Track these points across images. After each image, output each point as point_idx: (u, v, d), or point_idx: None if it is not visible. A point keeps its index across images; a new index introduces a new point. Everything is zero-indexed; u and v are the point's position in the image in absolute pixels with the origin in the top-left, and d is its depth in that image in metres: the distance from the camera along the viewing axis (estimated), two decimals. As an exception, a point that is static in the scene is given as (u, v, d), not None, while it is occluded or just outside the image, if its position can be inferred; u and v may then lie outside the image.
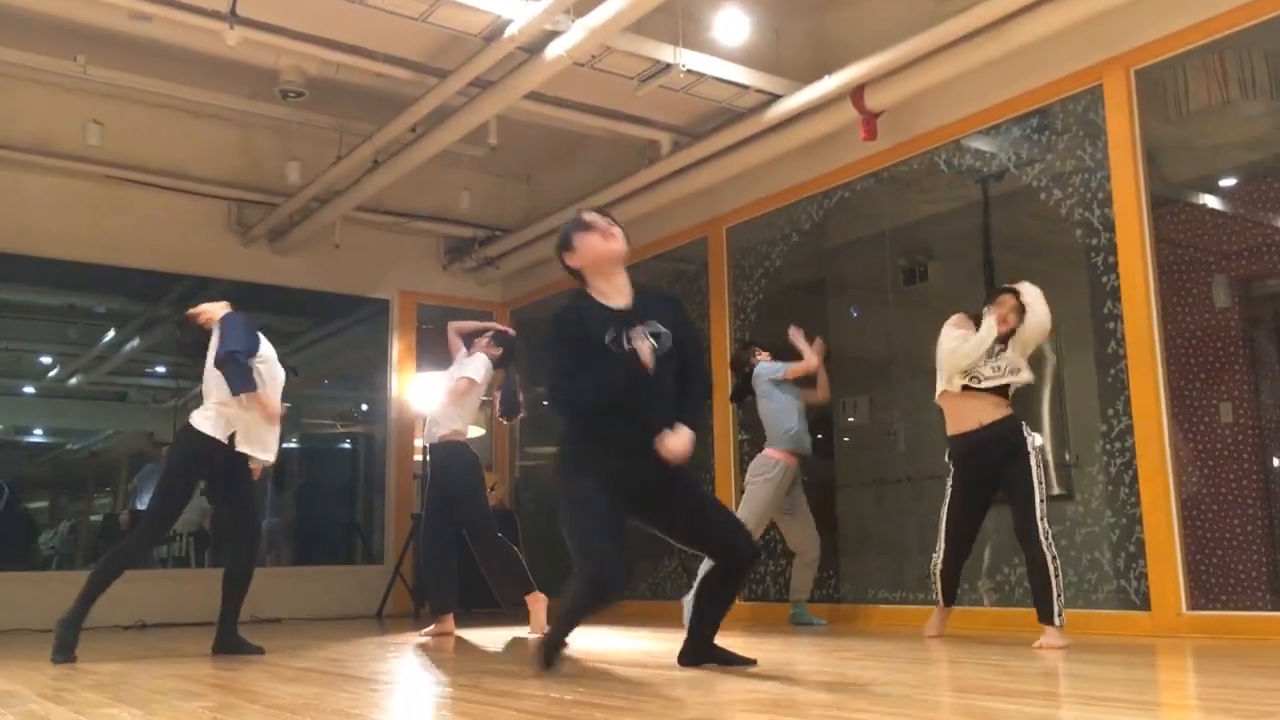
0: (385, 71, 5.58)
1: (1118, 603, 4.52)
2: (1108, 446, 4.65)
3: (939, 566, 4.28)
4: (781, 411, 5.49)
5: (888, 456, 7.42)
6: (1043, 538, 3.83)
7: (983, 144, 5.43)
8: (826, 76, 5.34)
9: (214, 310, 4.50)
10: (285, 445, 12.00)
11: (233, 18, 4.83)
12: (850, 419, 7.45)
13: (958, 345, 4.11)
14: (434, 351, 8.39)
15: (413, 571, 7.53)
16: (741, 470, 6.59)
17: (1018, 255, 6.60)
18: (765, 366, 5.59)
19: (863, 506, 7.05)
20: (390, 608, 7.63)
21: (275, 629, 6.19)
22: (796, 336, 5.56)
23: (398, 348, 8.30)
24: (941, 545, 4.25)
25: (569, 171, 7.95)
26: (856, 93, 5.35)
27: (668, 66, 5.32)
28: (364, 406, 9.20)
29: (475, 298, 8.67)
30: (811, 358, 5.50)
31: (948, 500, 4.24)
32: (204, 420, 4.30)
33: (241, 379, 4.22)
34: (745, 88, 5.57)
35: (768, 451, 5.48)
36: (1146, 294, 4.50)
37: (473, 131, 6.02)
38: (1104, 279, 4.70)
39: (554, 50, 4.94)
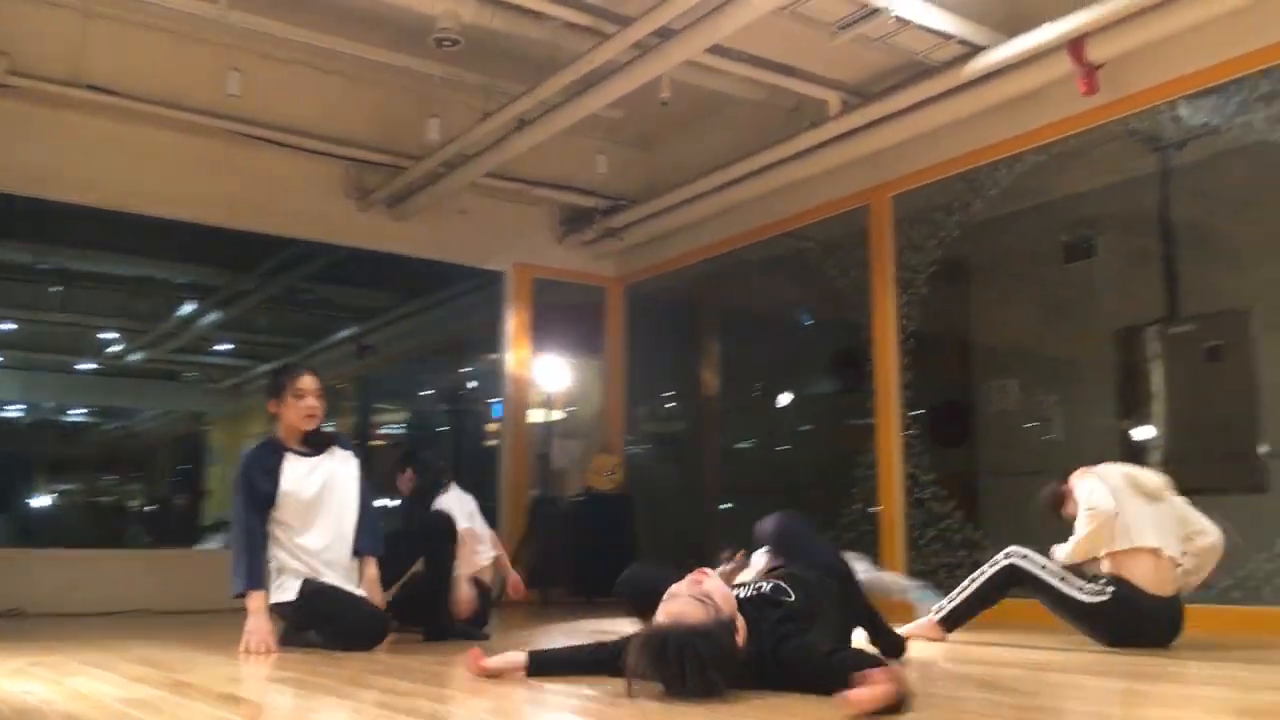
0: (561, 15, 5.18)
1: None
2: None
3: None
4: None
5: (1037, 444, 7.02)
6: None
7: (1209, 103, 4.98)
8: (1047, 24, 4.91)
9: None
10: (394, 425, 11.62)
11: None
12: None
13: None
14: (551, 330, 8.01)
15: (531, 557, 7.14)
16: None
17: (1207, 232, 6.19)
18: None
19: (1008, 500, 6.63)
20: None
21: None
22: None
23: (513, 323, 7.89)
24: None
25: (699, 137, 7.52)
26: (1075, 43, 4.92)
27: (874, 12, 4.89)
28: (471, 384, 8.82)
29: (590, 272, 8.26)
30: None
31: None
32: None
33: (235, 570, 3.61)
34: (948, 38, 5.14)
35: None
36: None
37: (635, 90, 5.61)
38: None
39: (768, -12, 4.52)
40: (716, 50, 5.47)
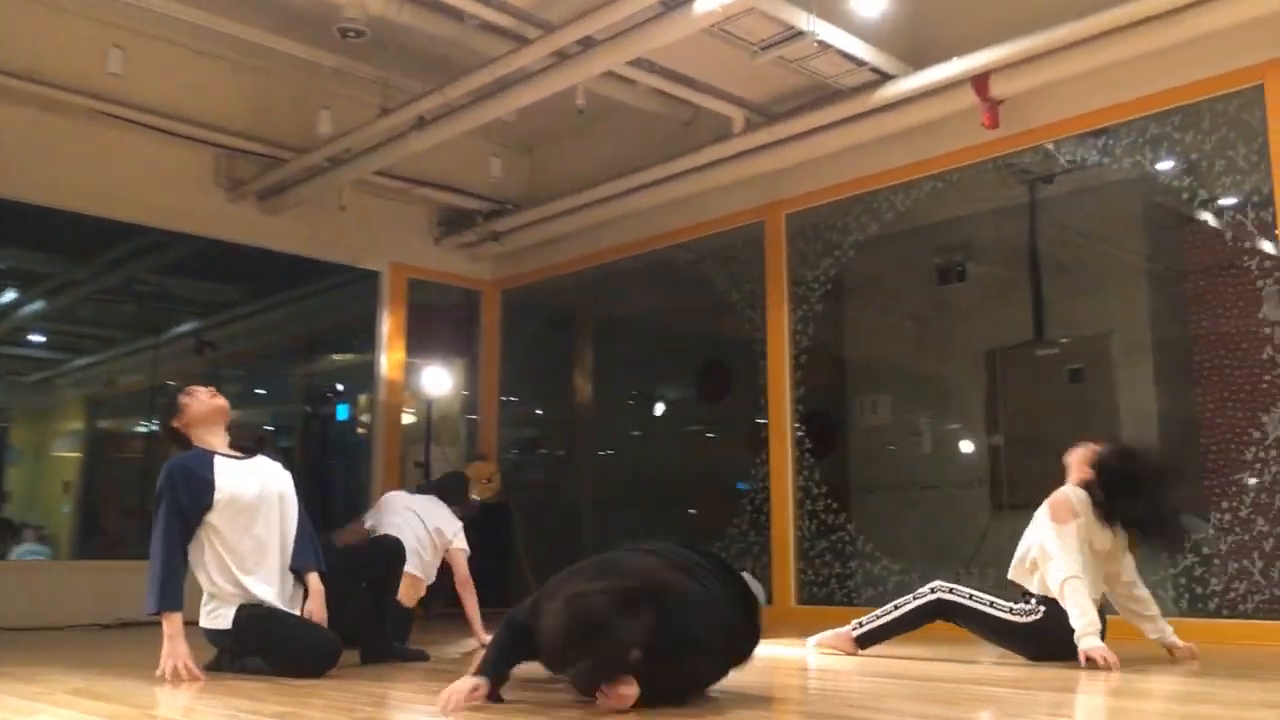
0: (482, 15, 5.05)
1: (1267, 612, 4.46)
2: (1260, 454, 4.59)
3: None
4: None
5: (906, 459, 7.29)
6: None
7: (1109, 140, 5.28)
8: (956, 58, 5.11)
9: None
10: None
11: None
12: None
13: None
14: (424, 333, 7.79)
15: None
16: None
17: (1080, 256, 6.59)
18: None
19: (880, 511, 6.84)
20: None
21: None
22: None
23: (388, 324, 7.62)
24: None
25: (586, 144, 7.47)
26: (979, 79, 5.15)
27: (798, 34, 4.97)
28: (339, 386, 8.47)
29: (465, 275, 8.08)
30: None
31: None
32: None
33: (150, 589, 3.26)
34: (861, 64, 5.28)
35: None
36: (1313, 298, 4.43)
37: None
38: (1259, 284, 4.64)
39: (705, 5, 4.52)
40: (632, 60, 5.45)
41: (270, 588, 3.39)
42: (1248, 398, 6.27)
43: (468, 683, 2.51)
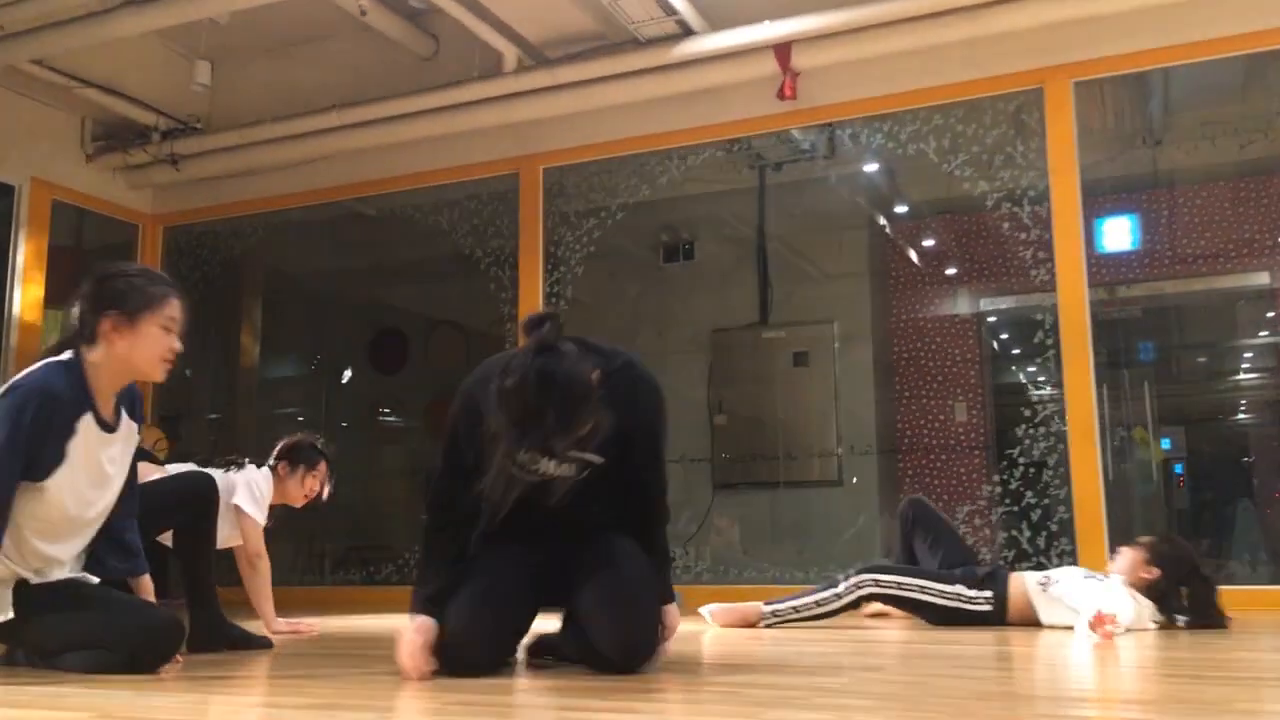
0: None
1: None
2: (1030, 430, 4.90)
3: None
4: None
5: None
6: None
7: (892, 125, 5.40)
8: (767, 22, 5.00)
9: None
10: None
11: None
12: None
13: None
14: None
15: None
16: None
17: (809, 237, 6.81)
18: None
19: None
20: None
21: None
22: None
23: (24, 252, 6.15)
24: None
25: (284, 67, 6.42)
26: (782, 48, 5.08)
27: (628, -35, 4.60)
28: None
29: (120, 204, 6.75)
30: None
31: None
32: None
33: None
34: (672, 14, 5.00)
35: None
36: (1080, 281, 4.76)
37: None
38: (1033, 272, 4.95)
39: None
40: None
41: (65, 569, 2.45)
42: (939, 386, 6.81)
43: (414, 637, 2.17)
